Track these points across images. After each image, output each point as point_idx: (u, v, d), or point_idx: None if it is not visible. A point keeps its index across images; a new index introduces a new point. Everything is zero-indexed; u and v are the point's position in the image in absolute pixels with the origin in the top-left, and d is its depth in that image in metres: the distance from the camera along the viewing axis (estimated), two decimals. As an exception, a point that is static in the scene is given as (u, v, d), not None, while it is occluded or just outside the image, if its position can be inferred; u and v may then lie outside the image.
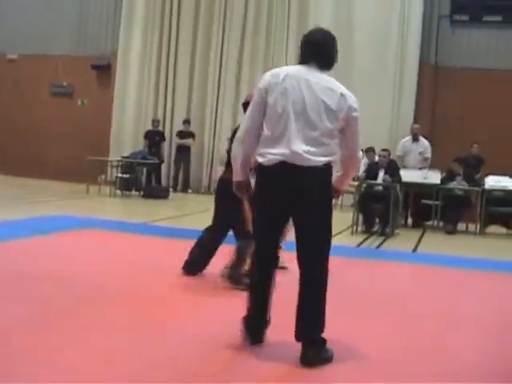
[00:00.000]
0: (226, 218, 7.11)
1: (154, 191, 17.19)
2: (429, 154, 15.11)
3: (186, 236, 9.44)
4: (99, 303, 5.89)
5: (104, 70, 20.59)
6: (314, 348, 4.62)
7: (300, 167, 4.56)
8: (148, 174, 17.85)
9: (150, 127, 18.99)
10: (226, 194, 6.08)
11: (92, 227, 10.37)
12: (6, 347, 4.50)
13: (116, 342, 4.82)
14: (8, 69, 21.32)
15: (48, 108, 20.79)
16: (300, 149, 4.54)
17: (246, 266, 6.36)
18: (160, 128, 19.14)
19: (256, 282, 4.96)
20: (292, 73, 4.71)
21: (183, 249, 8.70)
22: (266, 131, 4.67)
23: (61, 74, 20.81)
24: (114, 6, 20.72)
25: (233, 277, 6.83)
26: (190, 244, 8.67)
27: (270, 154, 4.61)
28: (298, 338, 4.70)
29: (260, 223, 4.90)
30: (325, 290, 4.70)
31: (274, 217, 4.82)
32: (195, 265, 7.36)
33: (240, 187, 4.98)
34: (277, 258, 5.06)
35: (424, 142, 15.19)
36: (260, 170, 4.73)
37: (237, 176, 4.94)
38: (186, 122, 18.78)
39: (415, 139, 15.06)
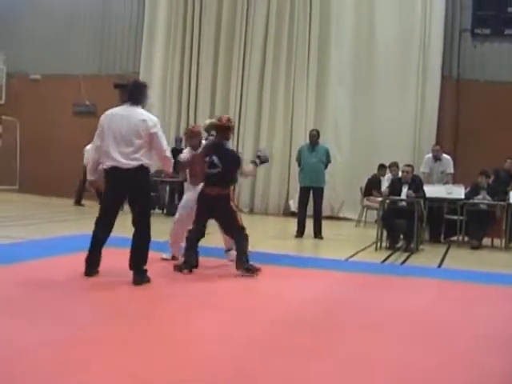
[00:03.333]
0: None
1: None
2: (451, 170, 14.97)
3: (209, 254, 9.46)
4: (124, 322, 5.88)
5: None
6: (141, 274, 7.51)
7: (123, 169, 7.36)
8: (171, 193, 17.81)
9: (173, 145, 18.93)
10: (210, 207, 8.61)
11: (114, 246, 10.33)
12: (31, 365, 4.49)
13: (144, 362, 4.79)
14: (31, 89, 21.54)
15: (71, 127, 20.94)
16: (119, 160, 7.34)
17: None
18: (183, 146, 19.10)
19: (99, 237, 7.74)
20: (116, 111, 7.61)
21: (204, 267, 8.75)
22: (103, 149, 7.51)
23: (83, 93, 20.95)
24: (135, 24, 20.90)
25: (245, 267, 8.46)
26: (212, 261, 8.74)
27: (106, 163, 7.45)
28: (131, 267, 7.54)
29: (106, 202, 7.85)
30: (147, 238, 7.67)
31: (115, 198, 7.68)
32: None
33: (92, 184, 8.16)
34: (111, 225, 7.75)
35: (446, 160, 15.03)
36: (104, 171, 7.57)
37: (91, 176, 7.95)
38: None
39: (437, 159, 14.93)
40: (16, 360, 4.63)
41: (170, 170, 7.96)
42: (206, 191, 8.65)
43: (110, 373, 4.50)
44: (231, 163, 8.70)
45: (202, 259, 8.85)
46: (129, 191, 7.57)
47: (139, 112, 7.51)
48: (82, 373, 4.45)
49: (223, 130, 8.91)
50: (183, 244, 8.91)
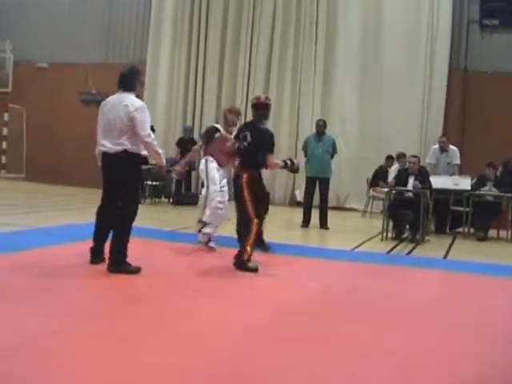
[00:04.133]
0: None
1: (184, 198, 17.18)
2: (458, 161, 14.94)
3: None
4: (129, 311, 5.90)
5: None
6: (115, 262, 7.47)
7: (109, 154, 7.55)
8: (178, 182, 17.81)
9: (181, 135, 18.95)
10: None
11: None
12: (34, 354, 4.50)
13: (146, 350, 4.81)
14: (38, 77, 21.53)
15: (77, 115, 20.92)
16: (106, 146, 7.57)
17: (247, 256, 8.11)
18: (192, 135, 19.12)
19: (99, 225, 7.85)
20: (109, 99, 7.78)
21: (210, 255, 8.75)
22: (97, 137, 7.78)
23: (90, 81, 20.92)
24: (142, 13, 20.87)
25: (239, 265, 8.11)
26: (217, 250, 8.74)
27: (99, 149, 7.70)
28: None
29: (103, 188, 7.85)
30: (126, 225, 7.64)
31: (107, 183, 7.78)
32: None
33: None
34: (110, 213, 7.71)
35: (452, 151, 15.00)
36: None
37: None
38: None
39: (444, 150, 14.90)
40: (15, 349, 4.64)
41: (155, 155, 7.82)
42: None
43: (109, 362, 4.52)
44: (262, 141, 8.37)
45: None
46: (114, 176, 7.67)
47: (126, 98, 7.62)
48: (81, 361, 4.48)
49: (261, 107, 8.60)
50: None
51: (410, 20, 18.34)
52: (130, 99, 7.59)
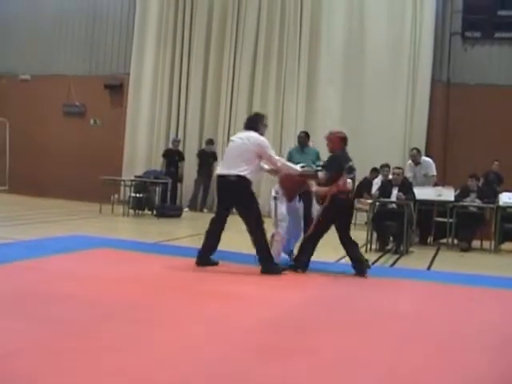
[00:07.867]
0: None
1: (167, 211, 17.13)
2: (433, 172, 14.87)
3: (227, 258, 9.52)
4: (114, 322, 5.86)
5: (117, 90, 20.68)
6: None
7: (228, 179, 9.00)
8: (163, 194, 17.78)
9: (166, 146, 19.19)
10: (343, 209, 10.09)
11: (105, 247, 10.34)
12: (17, 368, 4.46)
13: (133, 362, 4.77)
14: (21, 89, 21.46)
15: (61, 128, 20.91)
16: (225, 171, 9.07)
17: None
18: (179, 148, 19.19)
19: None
20: (235, 137, 9.47)
21: (193, 267, 8.71)
22: None
23: (73, 93, 20.90)
24: (126, 25, 20.85)
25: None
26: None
27: (220, 172, 9.32)
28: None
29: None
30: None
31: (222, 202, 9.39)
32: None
33: None
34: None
35: (426, 162, 14.97)
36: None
37: None
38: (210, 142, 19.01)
39: (417, 163, 14.82)
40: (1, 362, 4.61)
41: (289, 169, 9.70)
42: None
43: (98, 375, 4.49)
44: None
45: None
46: (233, 196, 9.19)
47: (251, 134, 9.25)
48: (67, 374, 4.44)
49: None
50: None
51: (393, 32, 18.43)
52: (254, 134, 9.19)
